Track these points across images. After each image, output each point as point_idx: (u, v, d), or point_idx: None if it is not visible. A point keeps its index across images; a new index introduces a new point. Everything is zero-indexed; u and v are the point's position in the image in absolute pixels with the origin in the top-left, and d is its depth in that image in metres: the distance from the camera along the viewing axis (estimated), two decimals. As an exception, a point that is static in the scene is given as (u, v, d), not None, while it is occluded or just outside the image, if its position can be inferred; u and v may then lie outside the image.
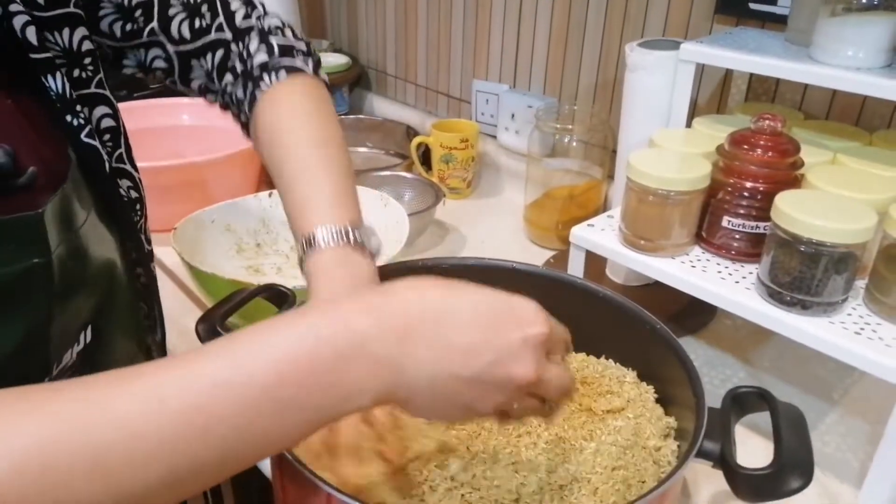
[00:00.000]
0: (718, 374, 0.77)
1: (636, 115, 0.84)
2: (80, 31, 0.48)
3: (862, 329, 0.57)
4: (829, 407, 0.73)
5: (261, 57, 0.56)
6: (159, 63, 0.57)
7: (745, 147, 0.64)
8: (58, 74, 0.45)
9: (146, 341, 0.59)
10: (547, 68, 1.12)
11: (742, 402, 0.52)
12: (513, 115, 1.15)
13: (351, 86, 1.45)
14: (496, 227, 1.08)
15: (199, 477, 0.31)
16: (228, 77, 0.57)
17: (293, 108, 0.55)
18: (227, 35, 0.56)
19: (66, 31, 0.47)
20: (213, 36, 0.56)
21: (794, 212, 0.57)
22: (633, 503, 0.41)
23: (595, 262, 0.88)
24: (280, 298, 0.62)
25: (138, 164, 0.56)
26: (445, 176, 1.15)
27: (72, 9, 0.47)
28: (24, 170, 0.40)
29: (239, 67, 0.57)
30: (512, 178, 1.19)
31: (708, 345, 0.81)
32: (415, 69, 1.35)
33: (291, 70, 0.56)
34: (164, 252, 0.79)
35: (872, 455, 0.66)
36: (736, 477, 0.45)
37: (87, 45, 0.49)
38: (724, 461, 0.47)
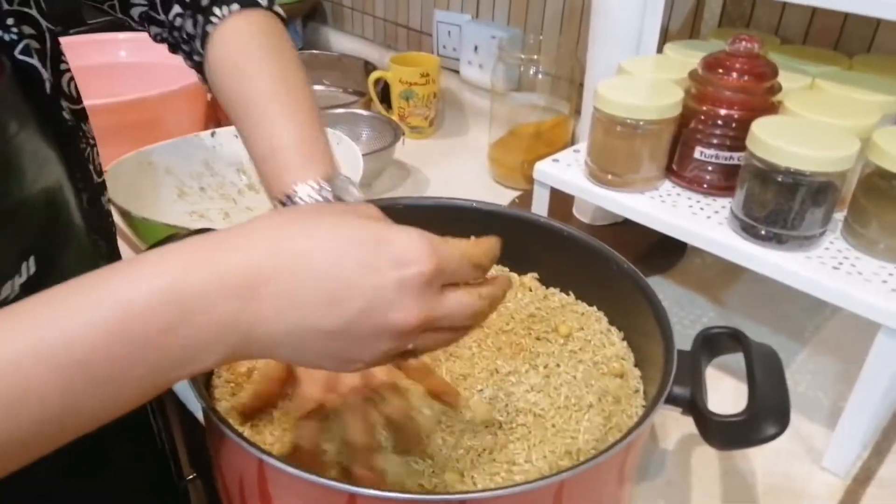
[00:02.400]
0: (688, 315, 0.74)
1: (604, 42, 0.78)
2: None
3: (840, 264, 0.53)
4: (799, 346, 0.71)
5: None
6: None
7: (720, 71, 0.59)
8: None
9: None
10: (511, -4, 1.05)
11: (713, 343, 0.49)
12: (476, 48, 1.09)
13: (304, 19, 1.36)
14: (460, 168, 1.03)
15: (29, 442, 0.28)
16: (176, 8, 0.52)
17: (248, 45, 0.50)
18: None
19: None
20: None
21: (771, 139, 0.53)
22: (597, 456, 0.37)
23: (562, 201, 0.83)
24: (216, 244, 0.56)
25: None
26: (406, 114, 1.09)
27: None
28: None
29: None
30: (476, 117, 1.13)
31: (677, 284, 0.78)
32: (373, 0, 1.27)
33: (244, 2, 0.51)
34: (98, 198, 0.73)
35: (844, 394, 0.64)
36: (707, 424, 0.42)
37: None
38: (695, 407, 0.43)
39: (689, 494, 0.55)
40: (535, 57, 0.94)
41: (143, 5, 0.54)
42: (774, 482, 0.56)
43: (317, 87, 1.27)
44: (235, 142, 0.87)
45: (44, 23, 0.47)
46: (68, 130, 0.49)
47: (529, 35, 1.00)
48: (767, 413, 0.42)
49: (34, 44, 0.46)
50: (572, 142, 0.99)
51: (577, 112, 0.94)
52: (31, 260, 0.44)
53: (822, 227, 0.55)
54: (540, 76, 0.95)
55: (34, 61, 0.45)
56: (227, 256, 0.30)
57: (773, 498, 0.55)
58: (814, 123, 0.56)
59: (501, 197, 0.94)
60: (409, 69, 1.06)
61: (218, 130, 0.85)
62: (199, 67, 0.54)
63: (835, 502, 0.54)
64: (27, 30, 0.46)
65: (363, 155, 0.83)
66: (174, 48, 0.56)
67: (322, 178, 0.47)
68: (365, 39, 1.32)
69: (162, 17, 0.54)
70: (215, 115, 1.06)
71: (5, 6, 0.44)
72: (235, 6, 0.50)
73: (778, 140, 0.52)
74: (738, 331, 0.48)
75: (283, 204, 0.47)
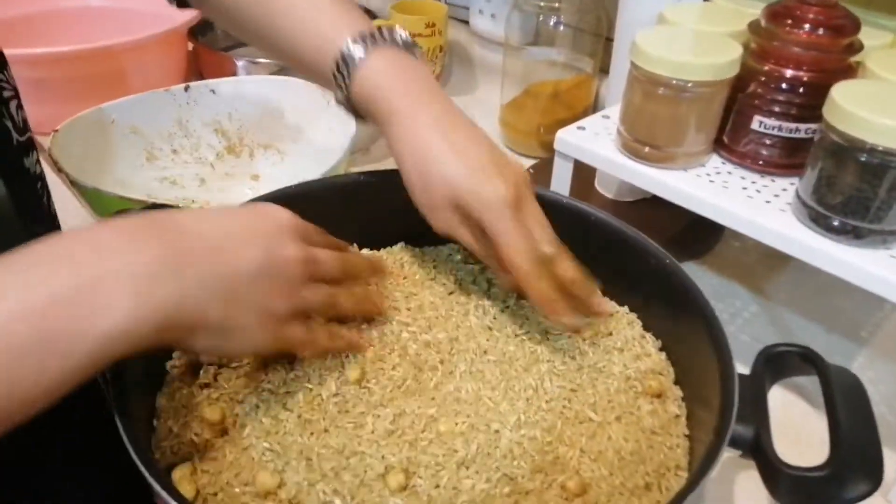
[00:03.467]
0: (727, 308, 0.65)
1: (640, -13, 0.67)
2: None
3: (933, 266, 0.44)
4: (856, 347, 0.61)
5: None
6: None
7: (788, 23, 0.49)
8: None
9: None
10: (530, -65, 0.92)
11: (779, 364, 0.39)
12: (488, -5, 0.97)
13: (300, -39, 1.24)
14: (467, 131, 0.92)
15: None
16: None
17: None
18: None
19: None
20: None
21: (855, 108, 0.42)
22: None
23: (583, 172, 0.73)
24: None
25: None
26: (409, 69, 0.98)
27: None
28: None
29: None
30: (487, 74, 1.02)
31: (713, 272, 0.69)
32: (374, -60, 1.14)
33: None
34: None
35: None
36: (777, 476, 0.33)
37: None
38: (760, 452, 0.34)
39: (733, 533, 0.46)
40: (556, 5, 0.82)
41: None
42: (834, 519, 0.47)
43: (312, 38, 1.16)
44: (212, 98, 0.76)
45: None
46: None
47: (550, -20, 0.88)
48: (855, 466, 0.33)
49: None
50: (595, 105, 0.88)
51: (603, 71, 0.83)
52: None
53: (911, 219, 0.45)
54: (561, 28, 0.84)
55: None
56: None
57: (832, 538, 0.46)
58: (907, 90, 0.45)
59: (514, 165, 0.84)
60: (413, 18, 0.94)
61: (192, 85, 0.74)
62: None
63: (905, 545, 0.46)
64: None
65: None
66: None
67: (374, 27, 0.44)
68: (365, -16, 1.19)
69: None
70: (196, 69, 0.95)
71: None
72: None
73: (864, 110, 0.42)
74: (810, 351, 0.39)
75: (344, 65, 0.43)
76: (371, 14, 1.08)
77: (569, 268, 0.41)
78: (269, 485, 0.36)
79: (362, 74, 0.43)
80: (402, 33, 0.45)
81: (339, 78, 0.44)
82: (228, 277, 0.33)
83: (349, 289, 0.42)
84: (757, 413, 0.36)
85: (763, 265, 0.70)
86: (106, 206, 0.57)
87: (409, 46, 0.45)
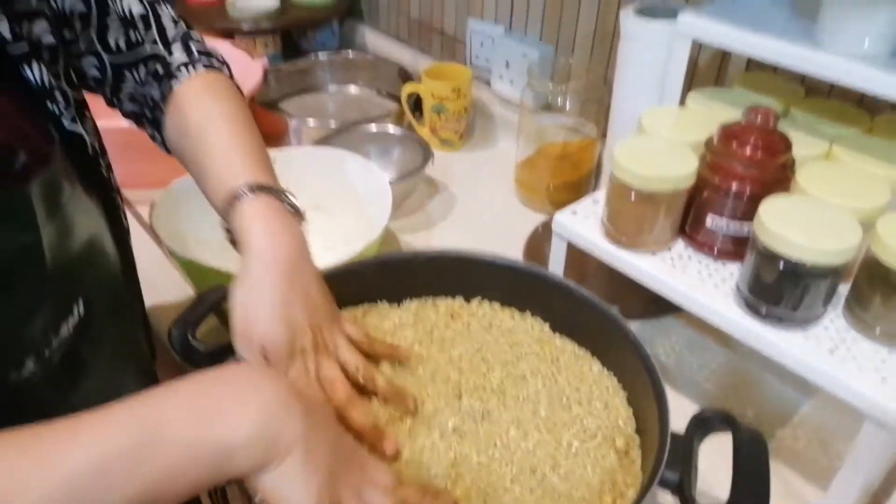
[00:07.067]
0: (697, 359, 0.77)
1: (629, 86, 0.80)
2: (42, 24, 0.50)
3: (836, 346, 0.56)
4: (804, 398, 0.73)
5: (180, 58, 0.59)
6: (93, 72, 0.59)
7: (734, 144, 0.61)
8: (34, 64, 0.48)
9: (130, 315, 0.61)
10: (545, 10, 1.05)
11: (706, 424, 0.52)
12: (507, 64, 1.10)
13: (342, 18, 1.38)
14: (488, 186, 1.05)
15: None
16: (153, 84, 0.59)
17: (205, 95, 0.58)
18: (160, 49, 0.59)
19: (25, 24, 0.49)
20: (147, 49, 0.59)
21: (775, 227, 0.55)
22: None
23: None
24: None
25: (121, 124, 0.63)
26: (437, 127, 1.12)
27: (34, 5, 0.49)
28: (15, 156, 0.44)
29: (161, 71, 0.59)
30: (506, 128, 1.15)
31: (688, 326, 0.81)
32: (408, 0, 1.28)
33: (208, 67, 0.60)
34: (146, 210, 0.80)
35: (843, 454, 0.67)
36: (691, 510, 0.47)
37: (48, 39, 0.50)
38: (682, 492, 0.48)
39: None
40: (564, 87, 0.95)
41: (131, 88, 0.60)
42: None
43: (350, 87, 1.30)
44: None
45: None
46: (105, 182, 0.57)
47: (559, 59, 1.01)
48: (748, 500, 0.46)
49: (78, 111, 0.53)
50: (598, 167, 1.01)
51: (605, 135, 0.96)
52: (80, 302, 0.50)
53: (823, 309, 0.57)
54: (569, 97, 0.97)
55: (78, 127, 0.52)
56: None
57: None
58: (821, 208, 0.57)
59: (527, 220, 0.97)
60: (441, 84, 1.08)
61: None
62: (156, 127, 0.61)
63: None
64: (72, 99, 0.52)
65: (393, 181, 0.87)
66: (139, 118, 0.62)
67: (272, 182, 0.55)
68: (399, 41, 1.33)
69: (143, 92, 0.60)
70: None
71: (52, 83, 0.49)
72: (200, 68, 0.59)
73: (782, 228, 0.55)
74: (729, 414, 0.52)
75: (234, 201, 0.53)
76: (405, 72, 1.22)
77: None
78: None
79: (241, 209, 0.53)
80: (290, 198, 0.55)
81: (224, 214, 0.54)
82: (315, 436, 0.40)
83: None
84: (684, 464, 0.49)
85: (733, 318, 0.82)
86: (200, 274, 0.72)
87: (294, 210, 0.55)
